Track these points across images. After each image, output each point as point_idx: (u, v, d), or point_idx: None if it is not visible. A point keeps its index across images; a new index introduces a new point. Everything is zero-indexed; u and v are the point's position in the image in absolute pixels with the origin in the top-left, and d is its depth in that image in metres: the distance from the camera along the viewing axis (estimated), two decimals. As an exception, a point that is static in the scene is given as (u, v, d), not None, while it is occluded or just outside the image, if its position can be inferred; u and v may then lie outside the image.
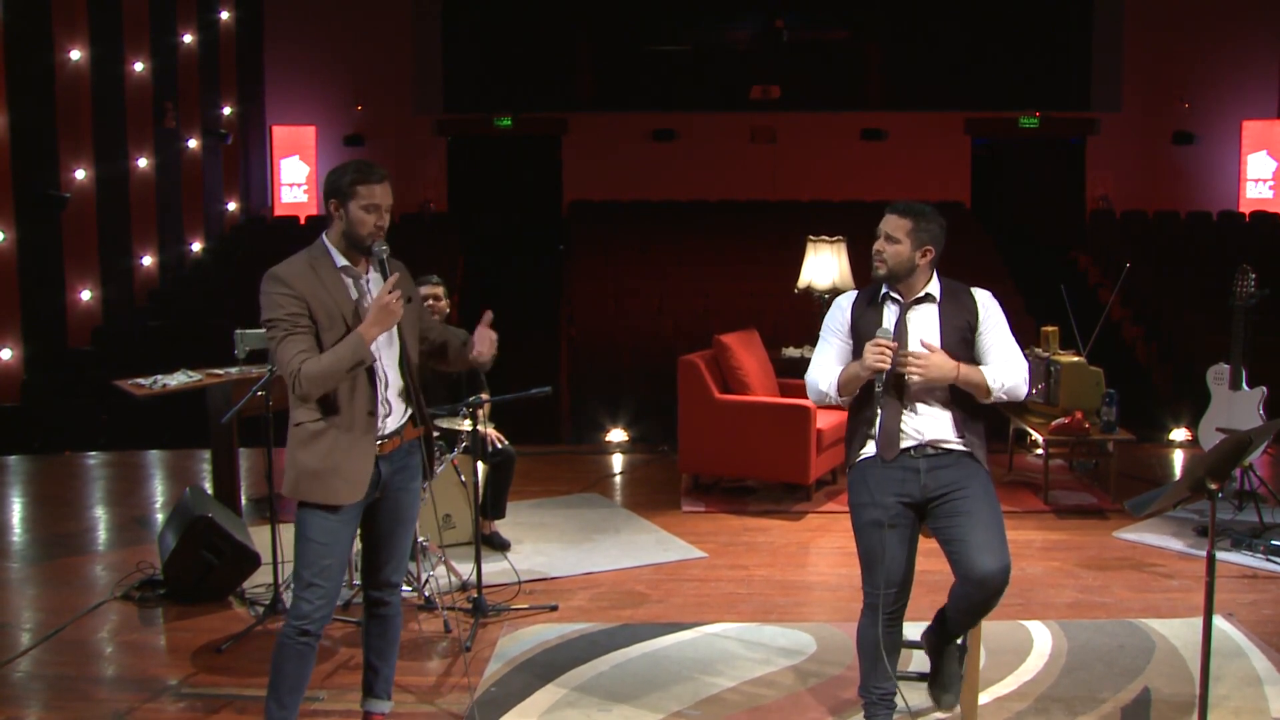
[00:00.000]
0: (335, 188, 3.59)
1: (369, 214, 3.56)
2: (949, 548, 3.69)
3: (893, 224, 3.73)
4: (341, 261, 3.61)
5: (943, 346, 3.72)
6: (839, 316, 3.87)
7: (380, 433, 3.63)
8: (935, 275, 3.82)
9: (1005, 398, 3.75)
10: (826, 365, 3.84)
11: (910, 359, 3.64)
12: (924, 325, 3.75)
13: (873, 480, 3.72)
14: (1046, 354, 7.43)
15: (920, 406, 3.73)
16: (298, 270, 3.56)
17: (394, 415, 3.68)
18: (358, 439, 3.56)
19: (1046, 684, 4.43)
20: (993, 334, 3.79)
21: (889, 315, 3.77)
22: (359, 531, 3.82)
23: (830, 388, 3.78)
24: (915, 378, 3.66)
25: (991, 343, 3.78)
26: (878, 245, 3.75)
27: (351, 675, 4.50)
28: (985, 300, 3.83)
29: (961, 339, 3.75)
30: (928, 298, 3.79)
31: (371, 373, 3.59)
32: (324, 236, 3.65)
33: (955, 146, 18.03)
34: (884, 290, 3.79)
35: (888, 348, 3.61)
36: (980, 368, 3.72)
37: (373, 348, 3.54)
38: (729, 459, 7.25)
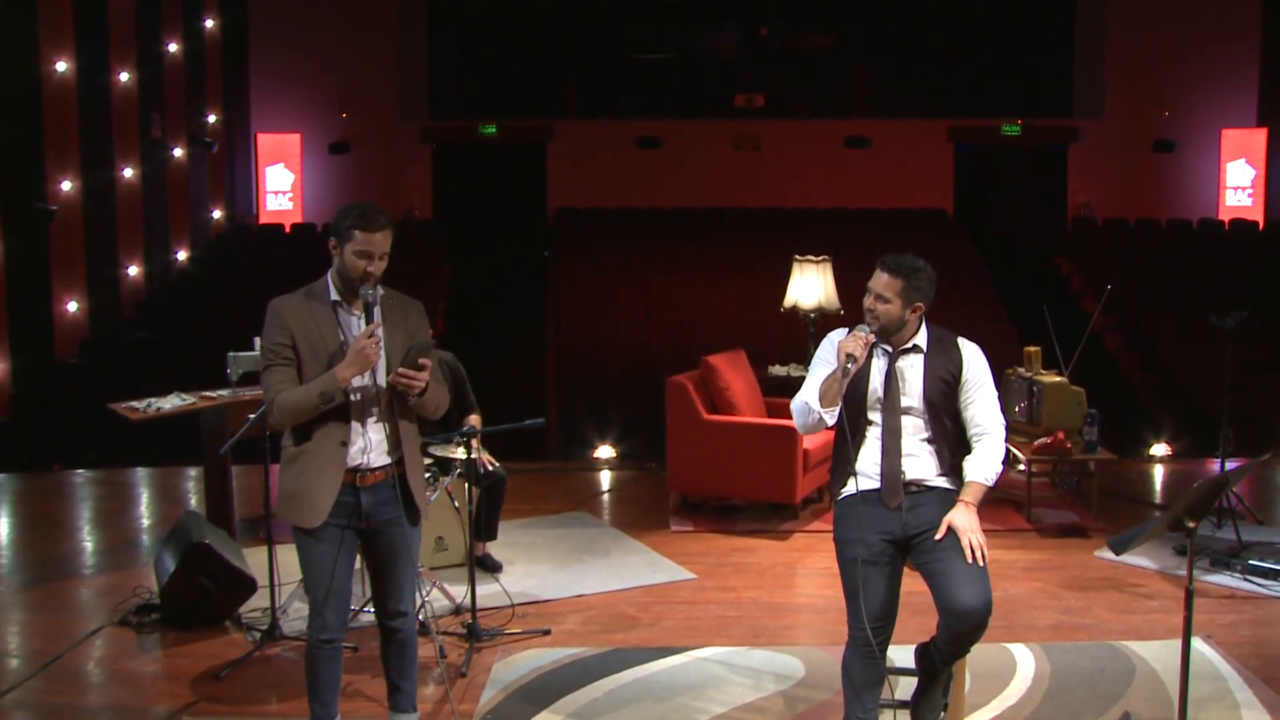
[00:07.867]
0: (336, 228, 3.77)
1: (360, 259, 3.71)
2: (931, 582, 3.79)
3: (883, 283, 3.82)
4: (335, 297, 3.78)
5: (925, 396, 3.85)
6: (830, 351, 3.96)
7: (362, 466, 3.77)
8: (924, 324, 3.92)
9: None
10: (812, 386, 3.92)
11: (971, 550, 3.71)
12: (910, 375, 3.87)
13: (856, 517, 3.82)
14: (1029, 374, 7.53)
15: (904, 447, 3.84)
16: (293, 303, 3.75)
17: (378, 451, 3.80)
18: (324, 467, 3.72)
19: (1030, 708, 4.53)
20: (975, 391, 3.90)
21: (878, 363, 3.88)
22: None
23: (813, 399, 3.83)
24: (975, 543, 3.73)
25: (972, 399, 3.91)
26: (869, 303, 3.85)
27: (359, 703, 4.57)
28: (971, 355, 3.93)
29: (943, 390, 3.87)
30: (915, 348, 3.89)
31: (346, 407, 3.73)
32: (328, 272, 3.82)
33: (938, 154, 18.16)
34: (874, 341, 3.89)
35: (863, 339, 3.75)
36: (971, 479, 3.82)
37: (357, 383, 3.71)
38: (716, 478, 7.34)
